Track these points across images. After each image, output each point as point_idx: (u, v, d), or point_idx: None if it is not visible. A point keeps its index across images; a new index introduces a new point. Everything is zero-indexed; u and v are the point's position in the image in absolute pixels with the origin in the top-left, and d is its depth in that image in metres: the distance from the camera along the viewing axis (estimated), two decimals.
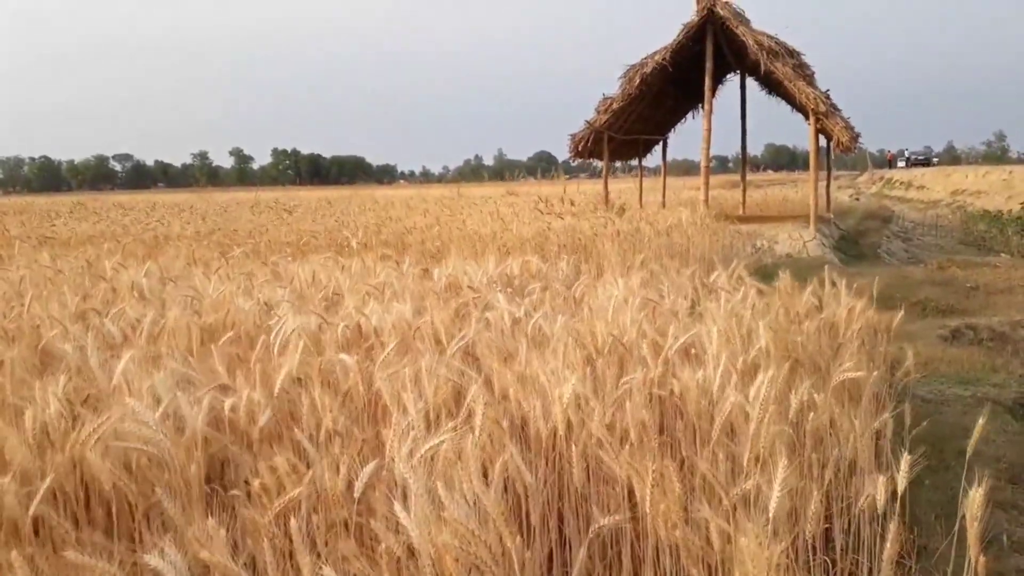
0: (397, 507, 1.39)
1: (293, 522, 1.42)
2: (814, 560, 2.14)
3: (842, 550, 2.25)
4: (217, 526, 1.32)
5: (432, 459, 1.74)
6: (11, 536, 1.56)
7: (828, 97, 10.73)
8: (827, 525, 2.33)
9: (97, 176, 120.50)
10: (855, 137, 10.54)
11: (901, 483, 1.77)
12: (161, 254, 6.26)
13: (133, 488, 1.74)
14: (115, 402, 1.98)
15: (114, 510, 1.82)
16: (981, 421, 1.83)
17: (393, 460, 1.71)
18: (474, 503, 1.46)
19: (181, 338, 2.79)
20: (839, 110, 10.76)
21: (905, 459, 1.77)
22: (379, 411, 2.23)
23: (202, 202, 21.99)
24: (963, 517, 1.62)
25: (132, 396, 2.04)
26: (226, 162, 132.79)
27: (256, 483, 1.56)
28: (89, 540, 1.64)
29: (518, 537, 1.43)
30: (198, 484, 1.75)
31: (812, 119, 10.80)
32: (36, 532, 1.73)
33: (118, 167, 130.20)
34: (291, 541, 1.48)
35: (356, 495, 1.64)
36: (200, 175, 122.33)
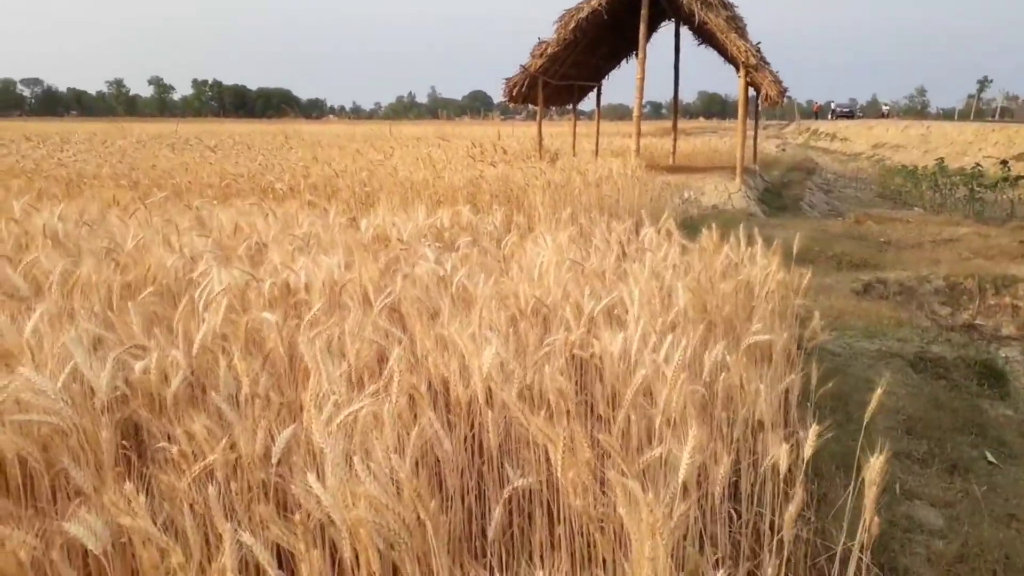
0: (311, 478, 1.40)
1: (211, 489, 1.43)
2: (720, 512, 2.26)
3: (748, 502, 2.37)
4: (136, 492, 1.31)
5: (353, 423, 1.75)
6: None
7: (759, 50, 10.85)
8: (735, 478, 2.45)
9: (4, 102, 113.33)
10: (783, 91, 10.72)
11: (807, 450, 1.87)
12: (77, 195, 5.97)
13: (38, 457, 1.70)
14: (20, 364, 1.92)
15: (22, 474, 1.78)
16: (879, 392, 1.94)
17: (310, 426, 1.73)
18: (390, 473, 1.49)
19: (98, 292, 2.70)
20: (768, 64, 10.90)
21: (813, 429, 1.86)
22: (302, 373, 2.23)
23: (119, 134, 20.95)
24: (862, 481, 1.73)
25: (40, 357, 1.98)
26: (144, 91, 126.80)
27: (175, 449, 1.55)
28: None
29: (433, 504, 1.47)
30: (109, 450, 1.72)
31: (742, 71, 10.92)
32: None
33: (27, 92, 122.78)
34: (208, 507, 1.49)
35: (274, 460, 1.65)
36: (117, 104, 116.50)
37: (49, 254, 3.27)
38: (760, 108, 14.42)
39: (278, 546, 1.41)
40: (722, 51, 11.95)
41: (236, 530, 1.28)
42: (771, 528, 2.29)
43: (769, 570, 2.07)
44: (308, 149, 12.61)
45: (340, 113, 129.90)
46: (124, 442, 2.03)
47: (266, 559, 1.30)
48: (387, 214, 4.95)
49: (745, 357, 2.52)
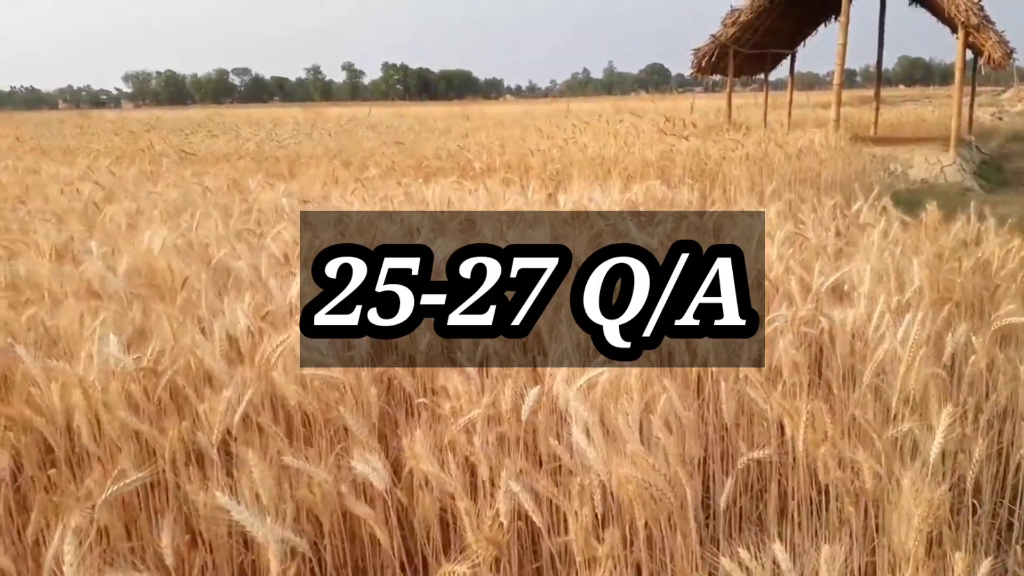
0: (577, 434, 1.48)
1: (476, 439, 1.55)
2: (962, 503, 2.13)
3: (992, 493, 2.23)
4: (423, 438, 1.45)
5: (590, 389, 1.82)
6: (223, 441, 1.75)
7: (981, 8, 9.83)
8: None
9: (218, 90, 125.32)
10: (1009, 53, 9.68)
11: None
12: (298, 174, 6.53)
13: (316, 405, 1.91)
14: (293, 321, 2.15)
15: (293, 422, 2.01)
16: None
17: (552, 388, 1.81)
18: (640, 433, 1.55)
19: None
20: (992, 23, 9.87)
21: None
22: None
23: (320, 117, 22.50)
24: None
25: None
26: (338, 76, 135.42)
27: (447, 405, 1.69)
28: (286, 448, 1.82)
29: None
30: (375, 402, 1.90)
31: (961, 32, 9.95)
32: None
33: (237, 81, 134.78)
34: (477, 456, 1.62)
35: (523, 417, 1.75)
36: (314, 89, 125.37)
37: (287, 227, 3.62)
38: (979, 73, 13.08)
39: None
40: (936, 10, 10.96)
41: (510, 480, 1.38)
42: (1020, 521, 2.14)
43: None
44: (493, 129, 12.95)
45: (516, 92, 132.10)
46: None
47: (531, 507, 1.40)
48: (582, 189, 5.02)
49: (990, 340, 2.35)
